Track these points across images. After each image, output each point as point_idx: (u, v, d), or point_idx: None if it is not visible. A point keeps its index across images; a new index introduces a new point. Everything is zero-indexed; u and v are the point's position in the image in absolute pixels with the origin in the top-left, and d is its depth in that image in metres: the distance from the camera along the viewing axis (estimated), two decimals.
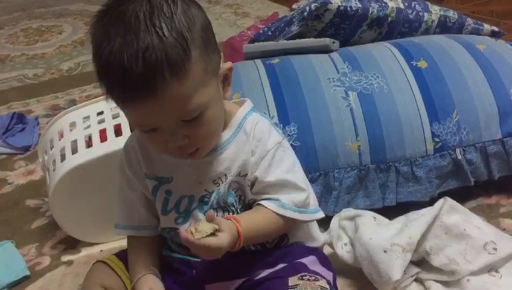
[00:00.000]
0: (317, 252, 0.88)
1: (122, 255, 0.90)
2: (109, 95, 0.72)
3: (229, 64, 0.80)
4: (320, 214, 0.86)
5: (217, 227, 0.71)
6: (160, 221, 0.87)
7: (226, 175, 0.80)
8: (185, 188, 0.82)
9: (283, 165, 0.81)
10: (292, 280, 0.78)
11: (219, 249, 0.71)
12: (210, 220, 0.71)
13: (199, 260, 0.85)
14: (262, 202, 0.80)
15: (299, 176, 0.83)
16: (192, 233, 0.70)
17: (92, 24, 0.72)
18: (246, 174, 0.81)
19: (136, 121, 0.75)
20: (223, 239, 0.71)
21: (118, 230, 0.89)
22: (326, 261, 0.88)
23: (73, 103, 1.87)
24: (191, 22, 0.70)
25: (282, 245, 0.86)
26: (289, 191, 0.81)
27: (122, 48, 0.66)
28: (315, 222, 0.92)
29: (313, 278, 0.79)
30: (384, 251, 0.90)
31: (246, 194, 0.82)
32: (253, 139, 0.80)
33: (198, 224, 0.71)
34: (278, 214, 0.79)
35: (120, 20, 0.68)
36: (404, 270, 0.91)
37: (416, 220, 0.93)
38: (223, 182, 0.80)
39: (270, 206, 0.79)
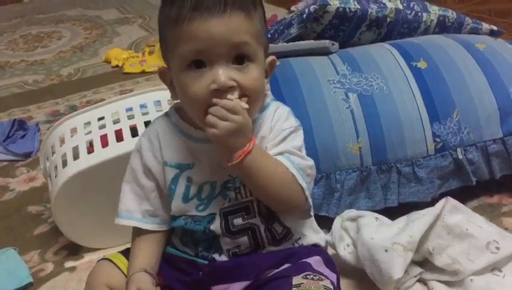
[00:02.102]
0: (322, 253, 0.89)
1: (127, 253, 0.89)
2: (174, 17, 0.75)
3: (273, 57, 0.85)
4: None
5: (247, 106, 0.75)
6: (174, 210, 0.86)
7: None
8: (207, 174, 0.83)
9: (292, 143, 0.83)
10: (296, 279, 0.79)
11: (243, 119, 0.74)
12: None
13: (206, 262, 0.85)
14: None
15: (305, 154, 0.85)
16: None
17: None
18: None
19: (191, 44, 0.74)
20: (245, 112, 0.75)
21: (121, 220, 0.87)
22: (330, 262, 0.88)
23: (73, 108, 1.88)
24: None
25: (288, 238, 0.87)
26: (294, 156, 0.82)
27: None
28: (313, 219, 0.93)
29: (317, 277, 0.79)
30: (385, 250, 0.90)
31: None
32: (272, 120, 0.83)
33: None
34: (285, 166, 0.80)
35: None
36: (407, 271, 0.91)
37: (418, 220, 0.93)
38: None
39: (279, 157, 0.81)
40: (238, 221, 0.84)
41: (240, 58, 0.76)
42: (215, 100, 0.74)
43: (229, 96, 0.74)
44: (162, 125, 0.87)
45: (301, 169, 0.81)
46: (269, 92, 0.89)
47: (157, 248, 0.88)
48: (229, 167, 0.78)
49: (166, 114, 0.89)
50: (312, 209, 0.90)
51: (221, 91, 0.74)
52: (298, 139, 0.84)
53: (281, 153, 0.81)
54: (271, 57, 0.84)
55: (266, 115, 0.84)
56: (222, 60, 0.74)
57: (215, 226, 0.84)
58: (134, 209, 0.87)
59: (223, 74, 0.74)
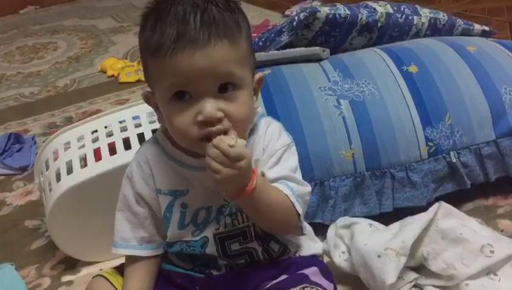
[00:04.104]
0: (319, 263, 0.89)
1: (122, 269, 0.89)
2: (154, 53, 0.72)
3: (260, 74, 0.82)
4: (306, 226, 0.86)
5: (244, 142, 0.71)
6: (170, 237, 0.85)
7: None
8: (202, 199, 0.82)
9: (288, 164, 0.82)
10: None
11: (247, 161, 0.70)
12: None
13: (202, 276, 0.85)
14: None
15: (300, 175, 0.84)
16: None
17: (143, 14, 0.77)
18: None
19: (175, 78, 0.72)
20: (247, 151, 0.71)
21: (118, 249, 0.87)
22: (327, 272, 0.88)
23: (69, 120, 1.88)
24: (240, 12, 0.77)
25: (285, 254, 0.87)
26: (293, 182, 0.81)
27: (183, 7, 0.72)
28: (310, 228, 0.94)
29: (314, 289, 0.79)
30: (378, 256, 0.90)
31: None
32: (265, 139, 0.82)
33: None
34: (285, 194, 0.79)
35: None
36: (403, 276, 0.91)
37: (410, 225, 0.93)
38: None
39: (278, 184, 0.79)
40: (235, 246, 0.83)
41: (225, 87, 0.73)
42: (216, 144, 0.69)
43: (230, 140, 0.69)
44: (152, 152, 0.85)
45: (299, 196, 0.80)
46: (259, 108, 0.87)
47: (151, 271, 0.87)
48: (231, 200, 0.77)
49: (155, 139, 0.86)
50: (304, 228, 0.88)
51: (209, 122, 0.72)
52: (292, 158, 0.83)
53: (279, 179, 0.80)
54: (258, 75, 0.82)
55: (257, 135, 0.82)
56: (208, 91, 0.72)
57: (211, 250, 0.83)
58: (130, 237, 0.86)
59: (210, 105, 0.72)
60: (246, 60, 0.76)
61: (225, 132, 0.72)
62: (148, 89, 0.81)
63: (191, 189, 0.82)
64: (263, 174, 0.80)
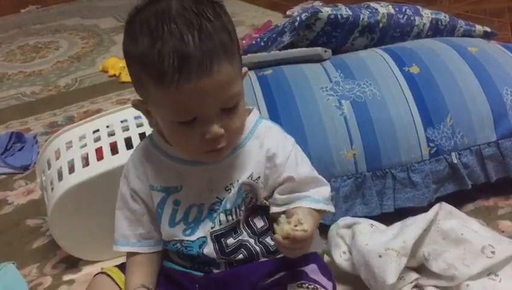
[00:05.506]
0: (318, 260, 0.89)
1: (124, 267, 0.90)
2: (156, 80, 0.69)
3: (245, 69, 0.82)
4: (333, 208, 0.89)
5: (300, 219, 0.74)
6: (163, 235, 0.86)
7: (238, 180, 0.81)
8: (194, 196, 0.82)
9: (306, 162, 0.85)
10: (291, 287, 0.79)
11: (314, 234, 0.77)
12: (289, 216, 0.75)
13: (202, 274, 0.85)
14: (297, 204, 0.81)
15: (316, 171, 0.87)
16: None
17: (129, 19, 0.74)
18: (259, 177, 0.82)
19: (180, 109, 0.71)
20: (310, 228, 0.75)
21: (118, 247, 0.88)
22: (326, 270, 0.88)
23: (71, 119, 1.89)
24: (227, 18, 0.74)
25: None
26: (318, 186, 0.84)
27: (177, 26, 0.68)
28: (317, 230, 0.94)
29: (312, 286, 0.80)
30: (379, 256, 0.91)
31: (258, 196, 0.83)
32: (269, 143, 0.82)
33: (281, 227, 0.73)
34: (315, 209, 0.82)
35: (165, 10, 0.70)
36: (404, 277, 0.91)
37: (411, 225, 0.93)
38: (234, 187, 0.81)
39: (306, 204, 0.81)
40: (230, 241, 0.84)
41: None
42: (291, 235, 0.72)
43: (302, 226, 0.73)
44: (146, 149, 0.86)
45: (326, 199, 0.84)
46: (255, 110, 0.87)
47: (153, 267, 0.88)
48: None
49: (151, 137, 0.87)
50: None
51: (214, 139, 0.73)
52: (303, 154, 0.86)
53: (308, 180, 0.84)
54: (243, 70, 0.81)
55: (255, 139, 0.83)
56: (215, 114, 0.72)
57: (209, 250, 0.83)
58: (129, 234, 0.87)
59: (212, 126, 0.72)
60: (239, 66, 0.76)
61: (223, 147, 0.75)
62: (138, 97, 0.80)
63: (184, 185, 0.83)
64: (288, 178, 0.82)
